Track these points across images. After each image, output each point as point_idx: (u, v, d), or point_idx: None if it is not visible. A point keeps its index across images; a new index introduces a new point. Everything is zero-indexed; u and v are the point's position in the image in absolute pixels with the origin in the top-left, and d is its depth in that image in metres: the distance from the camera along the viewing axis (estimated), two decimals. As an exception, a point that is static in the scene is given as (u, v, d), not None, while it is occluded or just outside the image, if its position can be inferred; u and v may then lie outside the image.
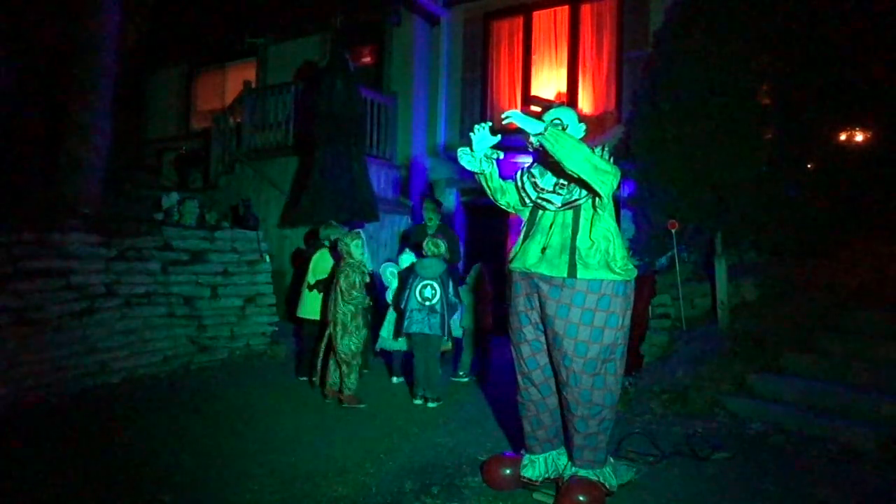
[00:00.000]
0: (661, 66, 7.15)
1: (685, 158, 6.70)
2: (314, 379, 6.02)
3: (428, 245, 5.71)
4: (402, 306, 5.59)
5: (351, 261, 5.45)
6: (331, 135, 7.55)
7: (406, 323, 5.52)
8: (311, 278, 6.30)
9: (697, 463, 4.08)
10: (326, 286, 6.09)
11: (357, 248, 5.48)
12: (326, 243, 6.37)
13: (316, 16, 10.28)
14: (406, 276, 5.73)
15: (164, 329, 6.40)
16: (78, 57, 6.85)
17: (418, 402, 5.51)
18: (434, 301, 5.48)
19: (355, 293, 5.39)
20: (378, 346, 6.37)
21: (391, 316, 6.12)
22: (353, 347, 5.40)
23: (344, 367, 5.37)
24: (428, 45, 9.92)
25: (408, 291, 5.54)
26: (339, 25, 8.39)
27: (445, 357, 6.39)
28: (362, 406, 5.31)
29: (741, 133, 6.56)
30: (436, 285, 5.51)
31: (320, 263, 6.25)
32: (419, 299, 5.50)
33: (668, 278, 6.61)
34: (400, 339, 6.01)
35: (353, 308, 5.40)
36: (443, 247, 5.71)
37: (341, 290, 5.38)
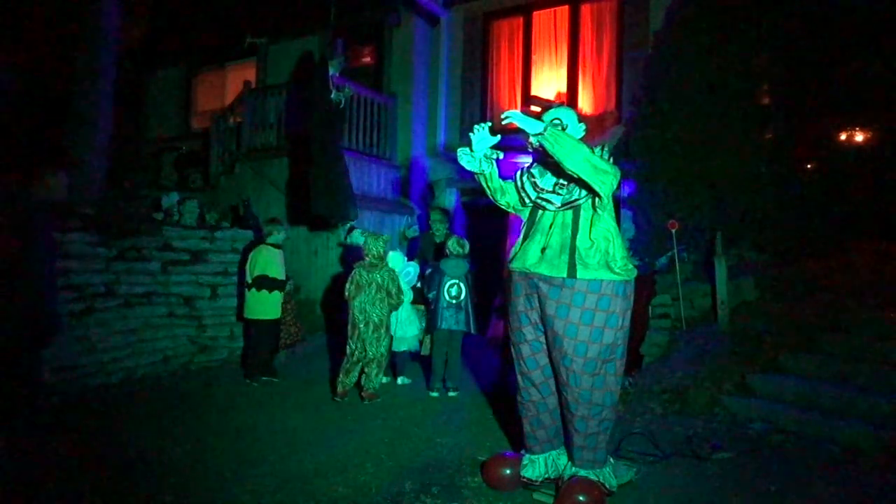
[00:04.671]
0: (661, 66, 7.16)
1: (685, 158, 6.71)
2: (276, 380, 6.09)
3: (454, 245, 5.86)
4: (433, 305, 5.81)
5: (380, 263, 5.59)
6: (325, 130, 7.52)
7: (438, 320, 5.74)
8: (248, 277, 6.15)
9: (697, 463, 4.07)
10: (274, 284, 6.08)
11: (382, 247, 5.66)
12: (275, 239, 6.24)
13: (316, 16, 10.28)
14: (433, 276, 5.87)
15: (164, 329, 6.40)
16: (78, 57, 6.86)
17: (435, 394, 5.72)
18: (461, 299, 5.75)
19: (402, 296, 5.70)
20: None
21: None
22: (387, 347, 5.65)
23: (375, 367, 5.52)
24: (428, 45, 9.92)
25: (436, 290, 5.75)
26: (337, 23, 8.35)
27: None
28: (377, 401, 5.45)
29: (741, 133, 6.56)
30: (461, 284, 5.76)
31: (259, 261, 6.09)
32: (447, 297, 5.72)
33: (668, 278, 6.60)
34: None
35: (389, 309, 5.60)
36: (467, 247, 5.91)
37: (389, 293, 5.55)
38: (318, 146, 7.34)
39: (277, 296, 6.18)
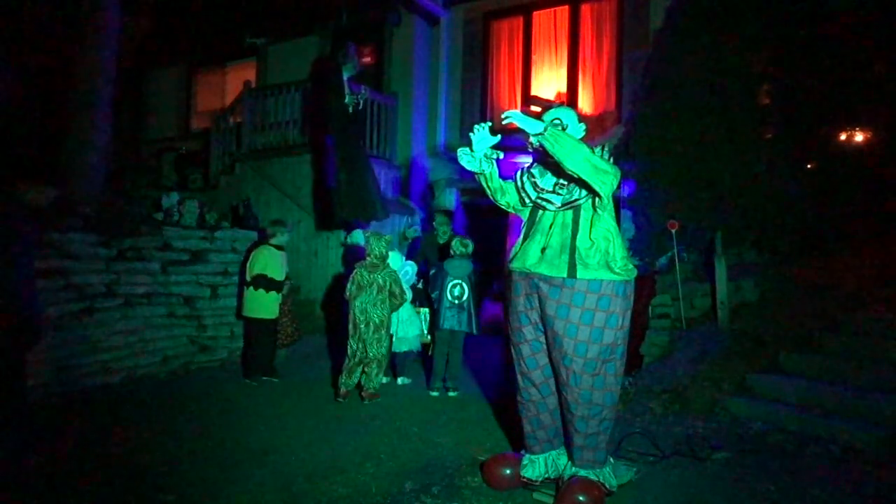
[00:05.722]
0: (661, 66, 7.15)
1: (685, 158, 6.71)
2: (275, 380, 6.10)
3: (457, 245, 5.87)
4: (435, 304, 5.82)
5: (381, 263, 5.59)
6: (345, 133, 7.45)
7: (440, 320, 5.75)
8: (247, 275, 6.20)
9: (697, 463, 4.07)
10: (271, 285, 6.09)
11: (384, 248, 5.65)
12: (279, 240, 6.27)
13: (316, 16, 10.29)
14: (436, 275, 5.88)
15: (164, 329, 6.40)
16: (78, 57, 6.86)
17: (435, 393, 5.75)
18: (463, 299, 5.73)
19: (405, 296, 5.73)
20: None
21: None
22: (387, 348, 5.67)
23: (375, 367, 5.52)
24: (428, 45, 9.92)
25: (439, 290, 5.75)
26: (345, 23, 8.32)
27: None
28: (377, 401, 5.45)
29: (741, 133, 6.56)
30: (464, 284, 5.75)
31: (259, 260, 6.12)
32: (450, 297, 5.72)
33: (668, 278, 6.60)
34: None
35: (390, 310, 5.61)
36: (471, 246, 5.90)
37: (392, 293, 5.55)
38: (339, 152, 7.29)
39: (275, 296, 6.20)
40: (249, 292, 6.17)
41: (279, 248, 6.31)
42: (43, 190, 4.22)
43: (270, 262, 6.16)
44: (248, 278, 6.19)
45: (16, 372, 3.99)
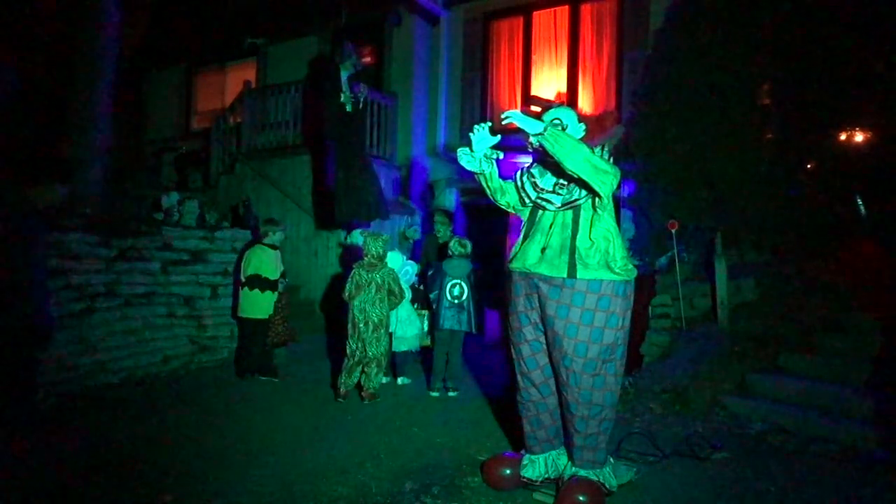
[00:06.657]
0: (661, 66, 7.16)
1: (685, 158, 6.71)
2: (275, 380, 6.11)
3: (455, 245, 5.87)
4: (434, 304, 5.82)
5: (379, 263, 5.60)
6: (344, 133, 7.41)
7: (440, 320, 5.75)
8: (242, 276, 6.22)
9: (697, 463, 4.08)
10: (266, 285, 6.10)
11: (381, 247, 5.64)
12: (272, 239, 6.28)
13: (316, 16, 10.29)
14: (435, 275, 5.89)
15: (164, 329, 6.40)
16: (78, 57, 6.86)
17: (435, 394, 5.75)
18: (462, 299, 5.74)
19: (404, 294, 5.76)
20: None
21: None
22: (387, 347, 5.69)
23: (375, 367, 5.52)
24: (428, 45, 9.92)
25: (438, 290, 5.76)
26: (343, 23, 8.32)
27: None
28: (377, 401, 5.44)
29: (741, 133, 6.56)
30: (464, 284, 5.75)
31: (253, 260, 6.14)
32: (449, 297, 5.73)
33: (668, 278, 6.60)
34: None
35: (388, 309, 5.62)
36: (469, 246, 5.90)
37: (391, 292, 5.57)
38: (337, 152, 7.24)
39: (270, 296, 6.21)
40: (244, 293, 6.19)
41: (273, 247, 6.31)
42: (53, 189, 4.22)
43: (265, 261, 6.17)
44: (242, 279, 6.20)
45: (28, 371, 3.99)
